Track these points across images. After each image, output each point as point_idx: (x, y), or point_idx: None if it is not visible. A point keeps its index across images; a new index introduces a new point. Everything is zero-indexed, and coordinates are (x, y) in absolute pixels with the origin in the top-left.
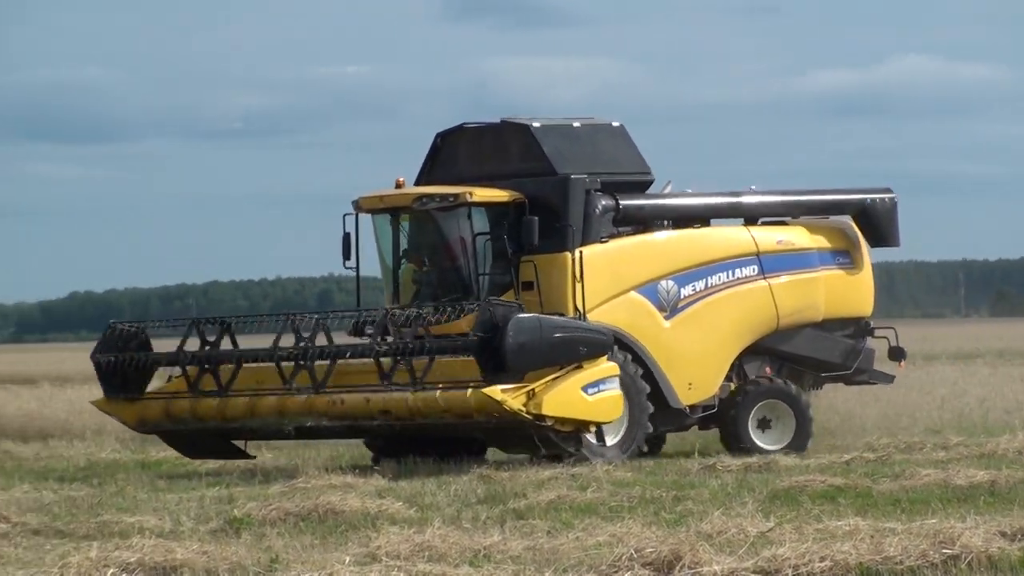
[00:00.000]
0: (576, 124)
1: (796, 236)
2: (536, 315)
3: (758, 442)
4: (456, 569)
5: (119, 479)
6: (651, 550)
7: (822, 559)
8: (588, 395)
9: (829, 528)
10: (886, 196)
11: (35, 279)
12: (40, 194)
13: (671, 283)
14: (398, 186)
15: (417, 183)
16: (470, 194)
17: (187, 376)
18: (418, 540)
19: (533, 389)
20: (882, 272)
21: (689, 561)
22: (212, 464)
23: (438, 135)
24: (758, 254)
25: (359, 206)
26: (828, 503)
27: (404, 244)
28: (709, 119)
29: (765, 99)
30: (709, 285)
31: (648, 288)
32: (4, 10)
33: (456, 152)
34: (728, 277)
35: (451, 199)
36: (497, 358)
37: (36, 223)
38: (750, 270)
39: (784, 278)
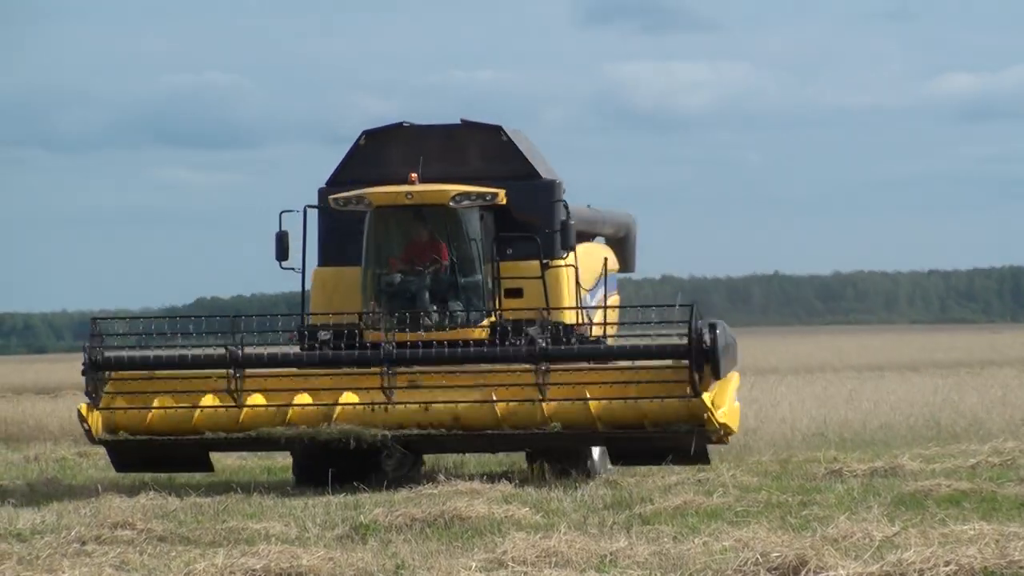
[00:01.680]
0: (509, 129)
1: (613, 257)
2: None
3: (597, 462)
4: (582, 574)
5: (245, 485)
6: (777, 555)
7: (947, 563)
8: (735, 404)
9: (954, 532)
10: (632, 220)
11: (161, 285)
12: (166, 199)
13: (588, 296)
14: (411, 182)
15: (331, 183)
16: (499, 194)
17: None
18: (544, 546)
19: (713, 398)
20: (1008, 276)
21: (815, 566)
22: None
23: (364, 133)
24: (606, 274)
25: (365, 202)
26: (953, 507)
27: (390, 244)
28: (839, 124)
29: (897, 104)
30: (597, 300)
31: (584, 299)
32: (131, 18)
33: (386, 152)
34: (601, 295)
35: (488, 198)
36: (712, 365)
37: (162, 228)
38: (609, 288)
39: (615, 299)
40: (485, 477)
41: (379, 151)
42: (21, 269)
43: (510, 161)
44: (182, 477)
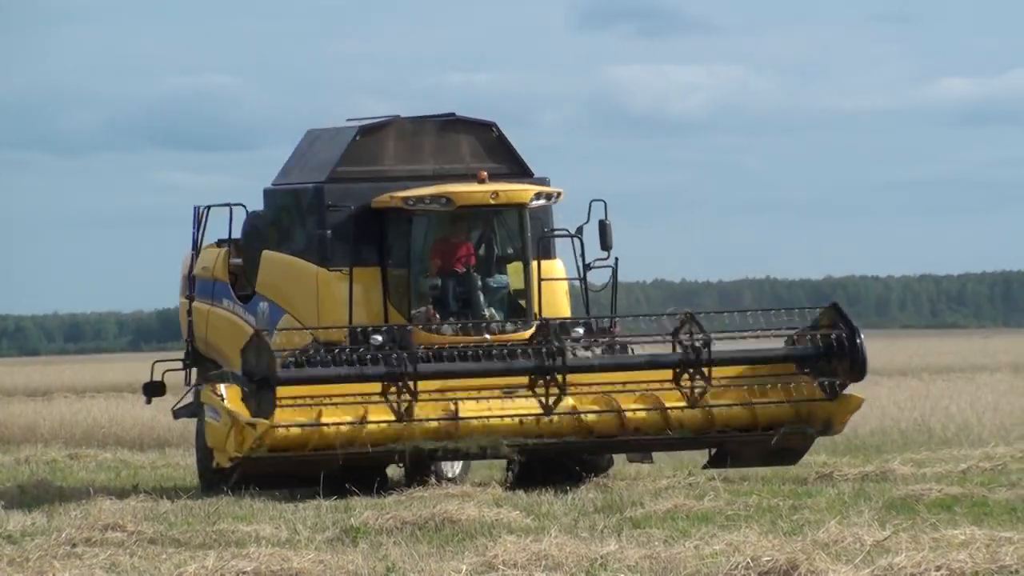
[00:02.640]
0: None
1: None
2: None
3: (444, 468)
4: None
5: (235, 487)
6: (767, 559)
7: (937, 568)
8: None
9: (945, 537)
10: None
11: (153, 288)
12: (163, 202)
13: None
14: (480, 181)
15: (329, 180)
16: (561, 193)
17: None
18: (535, 549)
19: None
20: (999, 281)
21: (805, 570)
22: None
23: (359, 128)
24: None
25: (442, 201)
26: (944, 512)
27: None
28: (833, 128)
29: (892, 108)
30: None
31: None
32: (130, 20)
33: (380, 146)
34: None
35: (553, 197)
36: (858, 365)
37: (159, 231)
38: None
39: None
40: (476, 481)
41: (373, 146)
42: (12, 271)
43: (502, 158)
44: (172, 480)
